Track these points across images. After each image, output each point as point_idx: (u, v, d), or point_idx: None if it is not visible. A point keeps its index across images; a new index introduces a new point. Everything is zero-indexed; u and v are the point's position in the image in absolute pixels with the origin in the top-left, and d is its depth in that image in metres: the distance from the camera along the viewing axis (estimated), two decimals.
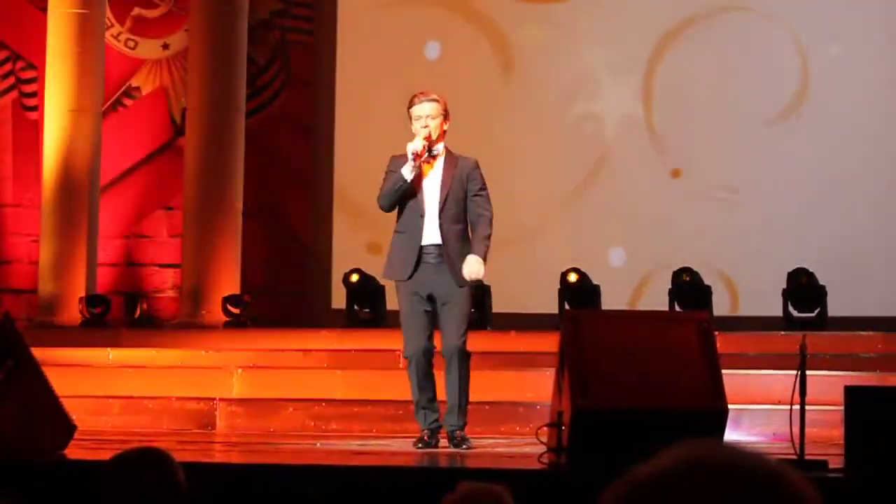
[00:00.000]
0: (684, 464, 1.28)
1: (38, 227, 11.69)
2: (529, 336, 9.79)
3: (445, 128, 7.44)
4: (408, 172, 7.30)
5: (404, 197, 7.39)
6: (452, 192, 7.36)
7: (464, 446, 7.26)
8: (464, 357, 7.30)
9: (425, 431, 7.34)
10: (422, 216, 7.36)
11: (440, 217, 7.35)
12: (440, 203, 7.35)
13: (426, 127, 7.34)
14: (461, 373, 7.28)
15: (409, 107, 7.44)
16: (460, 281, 7.31)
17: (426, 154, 7.34)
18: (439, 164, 7.43)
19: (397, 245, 7.46)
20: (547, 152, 11.79)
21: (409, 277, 7.33)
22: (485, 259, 7.31)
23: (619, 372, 6.07)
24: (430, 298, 7.32)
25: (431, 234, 7.35)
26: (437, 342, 7.37)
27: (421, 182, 7.39)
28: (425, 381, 7.34)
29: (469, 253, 7.33)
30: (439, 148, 7.43)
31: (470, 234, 7.40)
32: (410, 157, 7.28)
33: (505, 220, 11.57)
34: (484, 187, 7.44)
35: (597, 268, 10.93)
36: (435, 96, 7.45)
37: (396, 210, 7.47)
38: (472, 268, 7.27)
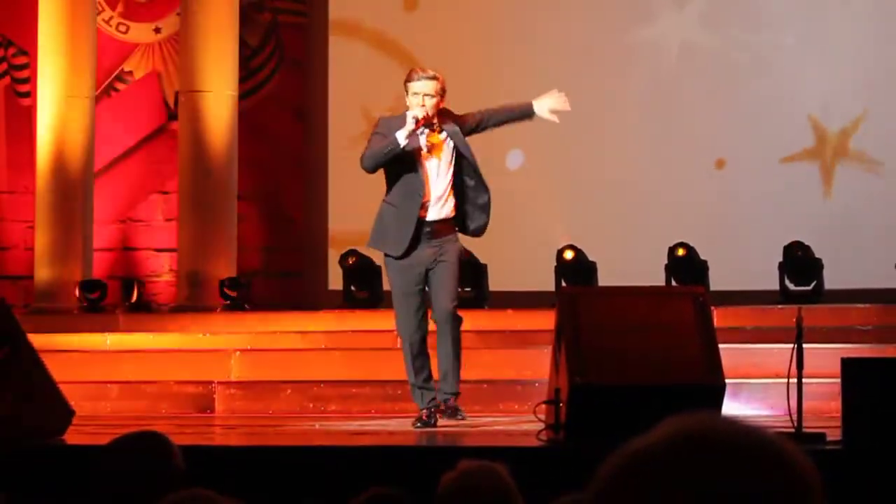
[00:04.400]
0: (680, 436, 1.28)
1: (33, 214, 11.69)
2: (526, 314, 9.79)
3: (442, 106, 7.38)
4: (402, 137, 7.18)
5: (399, 169, 7.29)
6: (465, 164, 7.35)
7: (458, 416, 7.24)
8: (456, 321, 7.26)
9: (424, 411, 7.33)
10: (420, 193, 7.26)
11: (466, 199, 7.34)
12: (451, 181, 7.31)
13: (423, 106, 7.27)
14: (454, 338, 7.24)
15: (407, 80, 7.36)
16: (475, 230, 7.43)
17: (425, 127, 7.26)
18: (447, 148, 7.35)
19: (390, 218, 7.36)
20: (541, 129, 11.77)
21: (403, 254, 7.30)
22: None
23: (616, 348, 6.08)
24: (424, 273, 7.30)
25: (430, 209, 7.30)
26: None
27: (420, 157, 7.29)
28: (420, 361, 7.33)
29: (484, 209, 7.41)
30: (443, 134, 7.34)
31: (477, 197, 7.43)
32: (411, 120, 7.17)
33: (501, 198, 11.59)
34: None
35: (593, 245, 10.92)
36: (433, 73, 7.37)
37: (385, 175, 7.38)
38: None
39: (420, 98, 7.28)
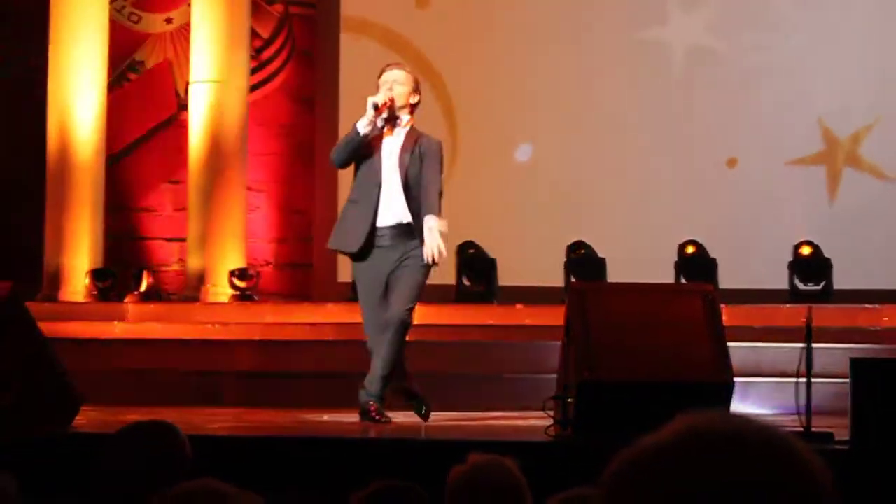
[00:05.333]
0: (691, 434, 1.28)
1: (44, 202, 11.69)
2: (536, 309, 9.78)
3: (413, 101, 7.22)
4: (363, 126, 7.05)
5: (360, 163, 7.16)
6: (412, 168, 7.10)
7: (379, 418, 7.04)
8: (403, 328, 7.06)
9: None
10: (378, 186, 7.11)
11: (406, 197, 7.10)
12: (402, 180, 7.10)
13: (390, 90, 7.15)
14: (396, 344, 7.06)
15: (379, 76, 7.25)
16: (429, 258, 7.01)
17: (386, 113, 7.10)
18: (400, 135, 7.19)
19: (350, 215, 7.23)
20: (552, 125, 11.78)
21: (359, 251, 7.11)
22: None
23: (625, 344, 6.08)
24: (385, 279, 7.12)
25: (388, 210, 7.12)
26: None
27: (379, 151, 7.16)
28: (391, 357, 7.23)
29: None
30: (404, 119, 7.22)
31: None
32: (370, 108, 7.03)
33: (511, 193, 11.59)
34: (441, 171, 7.22)
35: (603, 241, 10.92)
36: (407, 68, 7.33)
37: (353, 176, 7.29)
38: (435, 230, 6.97)
39: (388, 85, 7.15)
